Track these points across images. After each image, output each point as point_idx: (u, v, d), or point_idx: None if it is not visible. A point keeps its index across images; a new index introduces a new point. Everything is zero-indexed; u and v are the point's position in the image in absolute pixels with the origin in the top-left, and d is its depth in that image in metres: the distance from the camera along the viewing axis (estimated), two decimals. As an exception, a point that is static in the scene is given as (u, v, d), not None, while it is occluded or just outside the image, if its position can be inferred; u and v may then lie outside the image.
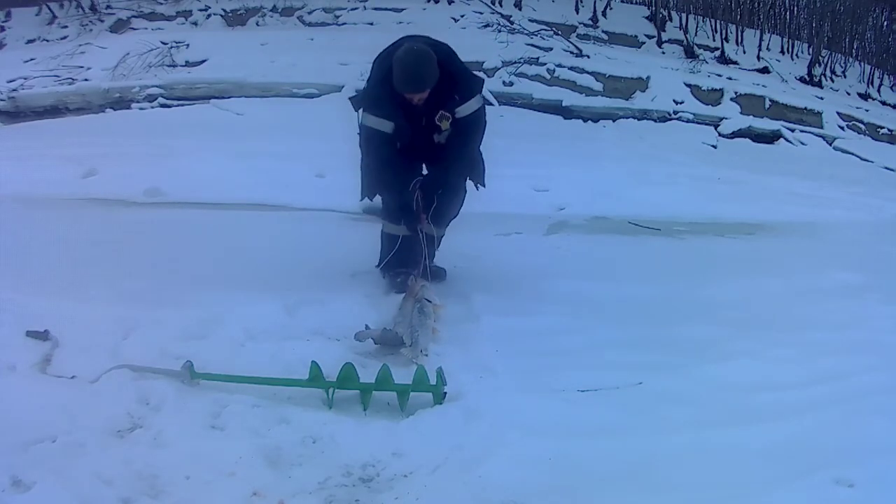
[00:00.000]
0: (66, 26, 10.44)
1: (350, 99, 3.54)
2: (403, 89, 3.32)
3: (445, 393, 2.52)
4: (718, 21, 11.15)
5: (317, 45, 9.40)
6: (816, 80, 10.91)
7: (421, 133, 3.46)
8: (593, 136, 8.44)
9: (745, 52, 10.95)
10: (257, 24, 10.46)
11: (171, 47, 9.15)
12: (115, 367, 2.53)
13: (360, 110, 3.47)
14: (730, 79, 9.85)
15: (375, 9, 10.46)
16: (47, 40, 10.19)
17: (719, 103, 9.38)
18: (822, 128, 9.51)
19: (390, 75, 3.34)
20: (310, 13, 10.51)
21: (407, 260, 3.55)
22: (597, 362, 2.90)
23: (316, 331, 3.06)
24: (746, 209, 6.27)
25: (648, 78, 9.35)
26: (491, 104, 8.58)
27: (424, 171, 3.61)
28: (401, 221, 3.56)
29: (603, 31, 10.79)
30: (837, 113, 9.81)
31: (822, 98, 10.22)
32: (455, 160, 3.51)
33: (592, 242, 5.13)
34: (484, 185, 3.68)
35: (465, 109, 3.44)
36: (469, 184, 3.67)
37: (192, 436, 2.24)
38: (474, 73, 3.55)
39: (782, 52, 11.45)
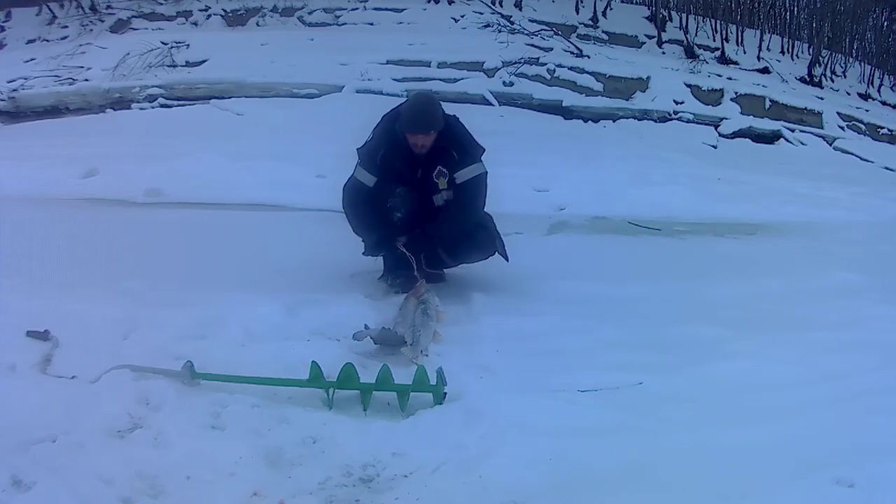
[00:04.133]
0: (66, 26, 10.46)
1: (357, 149, 3.61)
2: (408, 129, 3.42)
3: (445, 393, 2.51)
4: (718, 21, 11.17)
5: (317, 46, 9.42)
6: (816, 80, 10.92)
7: (418, 189, 3.52)
8: (593, 136, 8.45)
9: (745, 53, 10.96)
10: (257, 25, 10.47)
11: (172, 47, 9.17)
12: (115, 367, 2.53)
13: (357, 161, 3.57)
14: (730, 79, 9.87)
15: (375, 9, 10.48)
16: (47, 40, 10.21)
17: (719, 103, 9.40)
18: (822, 128, 9.53)
19: (393, 126, 3.46)
20: (310, 13, 10.53)
21: (405, 265, 3.56)
22: (597, 362, 2.90)
23: (316, 331, 3.06)
24: (746, 209, 6.27)
25: (649, 78, 9.36)
26: (491, 104, 8.64)
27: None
28: (379, 253, 3.63)
29: (603, 32, 10.81)
30: (837, 113, 9.83)
31: (822, 98, 10.24)
32: (455, 219, 3.54)
33: (592, 242, 5.13)
34: (507, 259, 3.72)
35: (465, 174, 3.51)
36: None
37: (192, 436, 2.23)
38: (476, 141, 3.61)
39: (782, 52, 11.47)
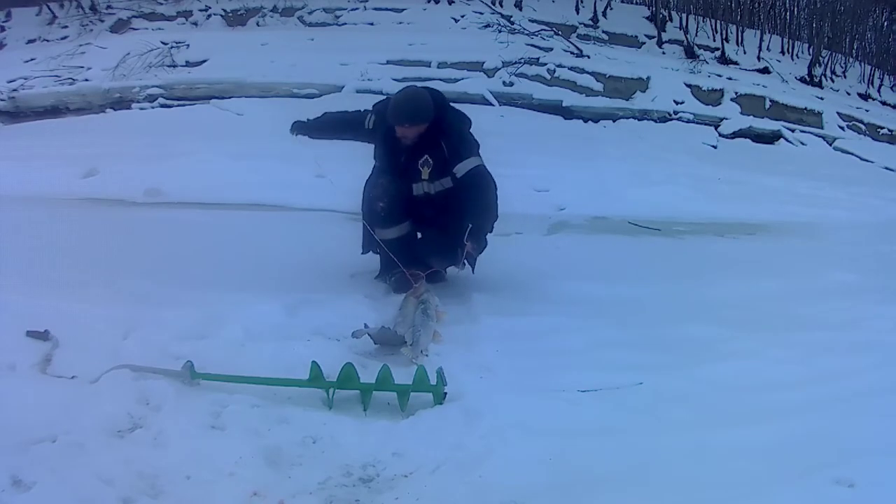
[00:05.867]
0: (66, 26, 10.45)
1: (375, 104, 3.69)
2: (394, 120, 3.45)
3: (446, 393, 2.51)
4: (719, 21, 11.16)
5: (317, 45, 9.41)
6: (816, 80, 10.91)
7: (399, 175, 3.54)
8: (593, 136, 8.45)
9: (745, 53, 10.96)
10: (257, 24, 10.47)
11: (172, 47, 9.16)
12: (115, 367, 2.53)
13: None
14: (730, 79, 9.86)
15: (375, 9, 10.47)
16: (47, 40, 10.20)
17: (719, 103, 9.39)
18: (822, 128, 9.53)
19: (384, 111, 3.50)
20: (310, 13, 10.52)
21: (402, 261, 3.57)
22: (597, 362, 2.90)
23: (316, 331, 3.06)
24: (746, 209, 6.27)
25: (649, 78, 9.35)
26: (491, 104, 8.64)
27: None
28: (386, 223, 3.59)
29: (603, 32, 10.81)
30: (837, 113, 9.83)
31: (822, 98, 10.24)
32: (473, 210, 3.49)
33: (592, 242, 5.13)
34: (473, 271, 3.61)
35: (464, 167, 3.49)
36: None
37: (192, 436, 2.23)
38: (472, 135, 3.60)
39: (782, 52, 11.46)
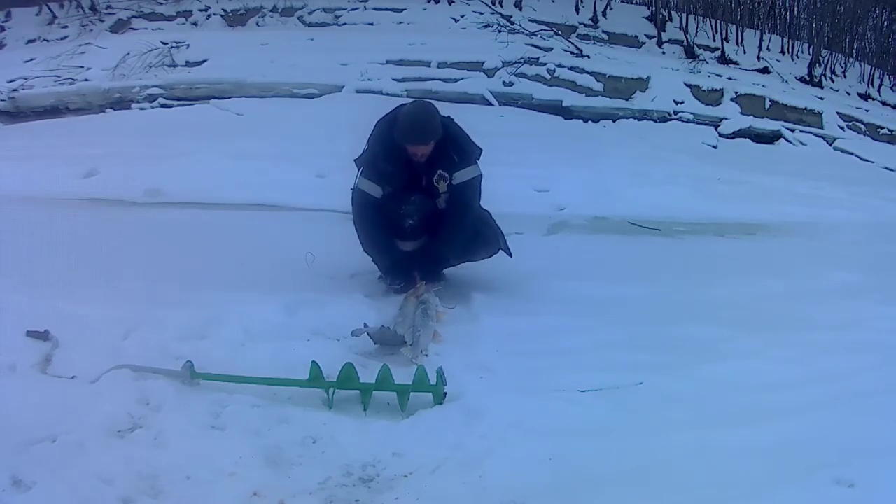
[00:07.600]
0: (66, 26, 10.46)
1: (355, 161, 3.57)
2: (407, 141, 3.38)
3: (446, 393, 2.51)
4: (718, 21, 11.16)
5: (317, 45, 9.42)
6: (816, 80, 10.91)
7: (424, 197, 3.51)
8: (593, 136, 8.44)
9: (745, 53, 10.96)
10: (257, 25, 10.47)
11: (171, 47, 9.17)
12: (115, 367, 2.53)
13: (358, 171, 3.53)
14: (730, 79, 9.86)
15: (375, 9, 10.48)
16: (47, 40, 10.21)
17: (719, 103, 9.39)
18: (822, 128, 9.52)
19: (391, 135, 3.41)
20: (310, 13, 10.53)
21: (407, 272, 3.57)
22: (597, 362, 2.90)
23: (316, 331, 3.06)
24: (746, 209, 6.27)
25: (648, 78, 9.35)
26: (491, 104, 8.64)
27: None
28: (397, 280, 3.58)
29: (603, 32, 10.81)
30: (837, 113, 9.82)
31: (822, 98, 10.23)
32: (459, 226, 3.53)
33: (592, 242, 5.14)
34: (510, 255, 3.73)
35: (462, 175, 3.49)
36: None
37: (192, 436, 2.23)
38: (474, 142, 3.59)
39: (782, 52, 11.46)
